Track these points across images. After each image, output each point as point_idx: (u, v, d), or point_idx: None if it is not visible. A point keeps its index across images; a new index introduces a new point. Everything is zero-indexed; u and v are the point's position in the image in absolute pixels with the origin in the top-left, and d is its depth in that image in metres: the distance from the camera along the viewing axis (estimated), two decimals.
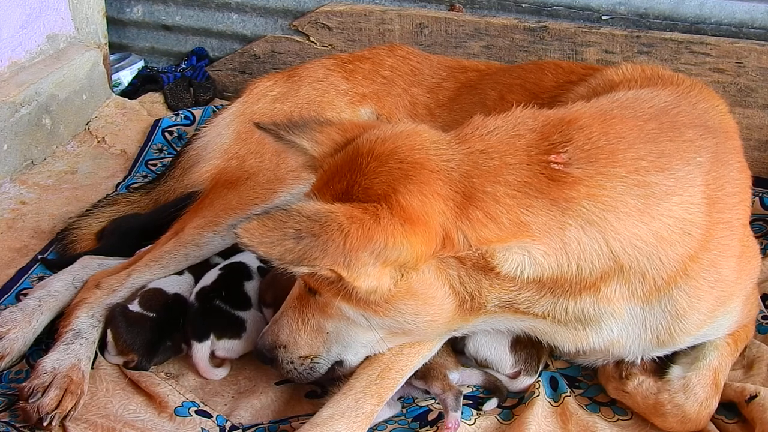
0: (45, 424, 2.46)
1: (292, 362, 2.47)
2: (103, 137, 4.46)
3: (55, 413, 2.48)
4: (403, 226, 1.97)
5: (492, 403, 2.61)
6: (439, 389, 2.54)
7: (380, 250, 1.93)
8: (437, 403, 2.64)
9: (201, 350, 2.74)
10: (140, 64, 5.26)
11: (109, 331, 2.78)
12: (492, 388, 2.67)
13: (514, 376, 2.68)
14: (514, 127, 2.19)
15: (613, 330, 2.32)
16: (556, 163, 2.09)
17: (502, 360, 2.66)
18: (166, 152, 4.31)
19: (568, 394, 2.64)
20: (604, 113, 2.26)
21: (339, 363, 2.49)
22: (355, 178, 2.10)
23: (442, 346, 2.62)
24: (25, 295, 3.08)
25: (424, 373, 2.57)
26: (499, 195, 2.06)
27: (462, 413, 2.51)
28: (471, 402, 2.63)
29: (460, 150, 2.14)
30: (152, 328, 2.76)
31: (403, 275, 2.08)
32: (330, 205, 1.98)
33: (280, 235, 1.86)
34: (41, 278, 3.22)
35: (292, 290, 2.48)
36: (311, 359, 2.46)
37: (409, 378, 2.55)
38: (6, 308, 2.91)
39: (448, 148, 2.15)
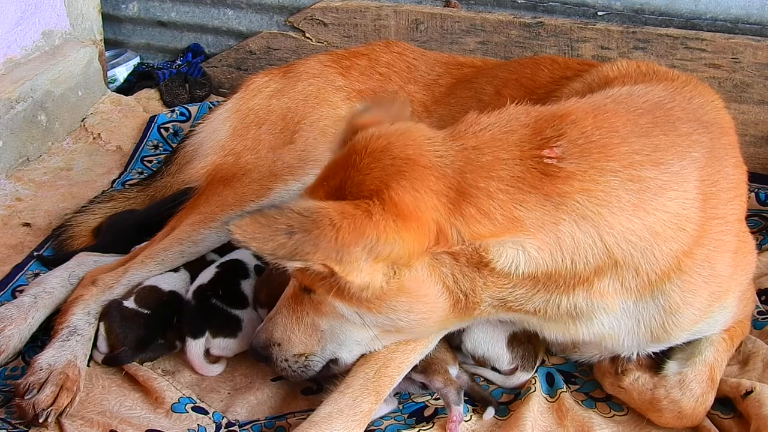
0: (41, 420, 2.46)
1: (286, 360, 2.47)
2: (99, 134, 4.46)
3: (51, 410, 2.48)
4: (395, 221, 1.97)
5: (490, 412, 2.59)
6: (440, 383, 2.54)
7: (372, 245, 1.93)
8: (434, 399, 2.64)
9: (195, 347, 2.74)
10: (136, 60, 5.26)
11: (101, 325, 2.79)
12: (477, 398, 2.65)
13: (511, 372, 2.68)
14: (506, 123, 2.19)
15: (604, 323, 2.31)
16: (549, 157, 2.08)
17: (500, 356, 2.67)
18: (161, 149, 4.30)
19: (564, 389, 2.65)
20: (598, 108, 2.25)
21: (334, 361, 2.48)
22: (348, 174, 2.10)
23: (440, 342, 2.61)
24: (21, 291, 3.08)
25: (425, 368, 2.57)
26: (492, 190, 2.05)
27: None
28: (467, 398, 2.63)
29: (453, 146, 2.14)
30: (146, 325, 2.77)
31: (395, 272, 2.08)
32: (322, 201, 1.98)
33: (272, 231, 1.87)
34: (37, 275, 3.22)
35: (287, 289, 2.47)
36: (306, 357, 2.46)
37: (410, 372, 2.56)
38: (1, 305, 2.90)
39: (441, 145, 2.14)
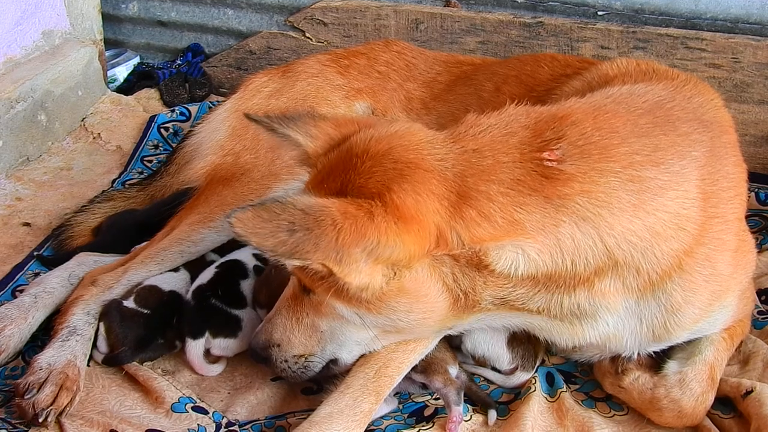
0: (40, 420, 2.46)
1: (286, 361, 2.47)
2: (99, 133, 4.46)
3: (51, 409, 2.48)
4: (396, 224, 1.96)
5: (492, 416, 2.58)
6: (440, 383, 2.54)
7: (372, 248, 1.92)
8: (434, 399, 2.64)
9: (195, 347, 2.74)
10: (136, 60, 5.26)
11: (101, 325, 2.79)
12: (476, 400, 2.65)
13: (511, 372, 2.68)
14: (506, 124, 2.18)
15: (609, 323, 2.32)
16: (549, 160, 2.08)
17: (500, 356, 2.66)
18: (161, 148, 4.30)
19: (564, 389, 2.65)
20: (598, 108, 2.25)
21: (334, 361, 2.48)
22: (349, 177, 2.09)
23: (440, 342, 2.61)
24: (21, 291, 3.08)
25: (425, 368, 2.57)
26: (492, 193, 2.05)
27: None
28: (466, 398, 2.63)
29: (453, 149, 2.13)
30: (146, 325, 2.77)
31: (395, 273, 2.07)
32: (325, 200, 1.97)
33: (273, 227, 1.84)
34: (37, 275, 3.22)
35: (286, 289, 2.47)
36: (305, 358, 2.45)
37: (410, 372, 2.55)
38: (1, 305, 2.90)
39: (442, 148, 2.13)
